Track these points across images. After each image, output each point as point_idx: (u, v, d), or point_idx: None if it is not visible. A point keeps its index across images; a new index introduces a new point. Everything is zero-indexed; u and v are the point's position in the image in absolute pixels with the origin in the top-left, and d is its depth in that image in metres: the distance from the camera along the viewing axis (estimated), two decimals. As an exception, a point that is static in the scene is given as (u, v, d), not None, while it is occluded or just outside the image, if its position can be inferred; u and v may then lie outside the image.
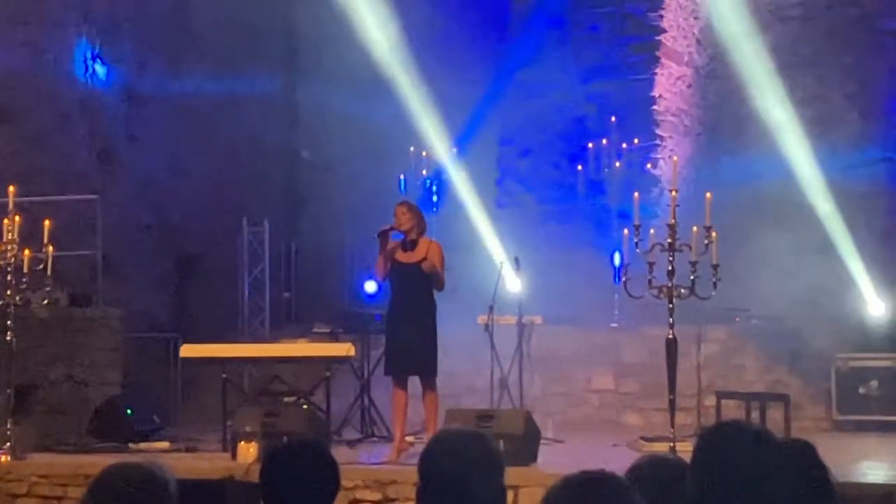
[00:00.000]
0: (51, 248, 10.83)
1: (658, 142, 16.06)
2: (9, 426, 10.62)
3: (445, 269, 10.50)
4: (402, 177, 14.51)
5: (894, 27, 15.62)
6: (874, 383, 13.15)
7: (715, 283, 9.58)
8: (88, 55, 15.74)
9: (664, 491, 3.32)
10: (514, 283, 12.79)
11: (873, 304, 14.06)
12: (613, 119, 15.63)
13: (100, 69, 15.83)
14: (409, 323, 10.36)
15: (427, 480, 3.37)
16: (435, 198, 14.81)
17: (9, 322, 10.67)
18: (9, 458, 10.41)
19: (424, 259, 10.32)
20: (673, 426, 9.77)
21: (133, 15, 16.25)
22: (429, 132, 15.03)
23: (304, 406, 11.47)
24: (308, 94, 18.51)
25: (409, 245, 10.46)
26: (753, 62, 15.14)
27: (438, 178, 15.29)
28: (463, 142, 15.77)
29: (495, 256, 13.91)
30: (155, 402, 13.56)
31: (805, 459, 3.66)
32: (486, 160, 16.56)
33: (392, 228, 10.49)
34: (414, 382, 10.52)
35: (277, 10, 18.54)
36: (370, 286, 12.87)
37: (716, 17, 15.55)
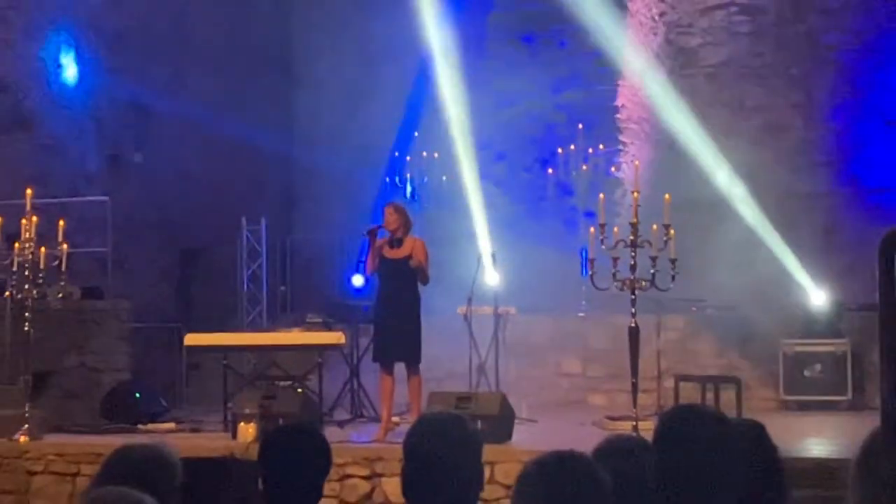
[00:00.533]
0: (65, 246, 10.81)
1: (621, 147, 16.07)
2: (27, 409, 10.59)
3: (430, 264, 10.49)
4: (387, 179, 14.49)
5: (835, 42, 15.66)
6: (817, 367, 13.20)
7: (673, 277, 9.60)
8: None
9: (628, 468, 3.33)
10: (490, 277, 12.79)
11: (816, 295, 14.10)
12: (581, 126, 15.63)
13: (105, 79, 15.77)
14: (395, 314, 10.35)
15: (411, 461, 3.38)
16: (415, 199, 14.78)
17: (27, 314, 10.65)
18: (27, 439, 10.39)
19: (410, 256, 10.31)
20: (635, 406, 9.79)
21: (138, 27, 16.18)
22: (412, 138, 14.99)
23: (299, 389, 11.46)
24: (301, 103, 18.48)
25: (395, 242, 10.45)
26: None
27: (420, 180, 15.28)
28: (444, 146, 15.72)
29: (474, 252, 13.90)
30: (161, 386, 13.53)
31: (756, 439, 3.67)
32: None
33: (379, 227, 10.48)
34: (399, 367, 10.51)
35: (272, 23, 18.52)
36: (357, 280, 12.84)
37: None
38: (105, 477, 3.48)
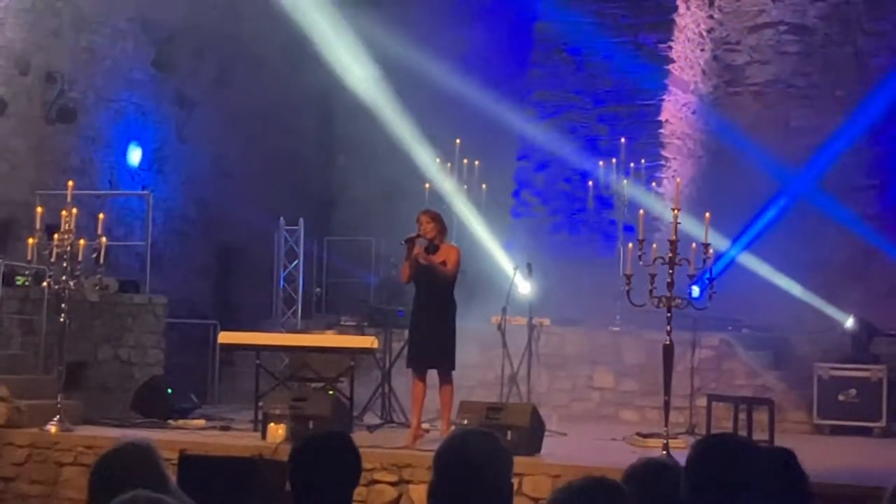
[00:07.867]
0: (103, 239, 10.89)
1: (663, 162, 15.99)
2: (59, 400, 10.66)
3: (461, 269, 10.48)
4: (426, 185, 14.48)
5: (882, 64, 15.55)
6: (853, 391, 13.09)
7: (710, 296, 9.54)
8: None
9: (659, 494, 3.30)
10: (525, 287, 12.75)
11: (854, 319, 13.95)
12: (623, 140, 15.57)
13: (152, 74, 15.89)
14: (430, 320, 10.34)
15: (440, 476, 3.35)
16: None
17: (63, 305, 10.73)
18: (57, 429, 10.45)
19: (445, 262, 10.30)
20: (667, 425, 9.70)
21: (186, 25, 16.28)
22: (453, 147, 14.97)
23: (330, 392, 11.47)
24: (342, 104, 18.54)
25: (431, 249, 10.44)
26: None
27: (461, 187, 15.24)
28: (487, 156, 15.68)
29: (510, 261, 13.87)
30: (193, 382, 13.58)
31: (787, 467, 3.64)
32: (505, 173, 16.52)
33: (418, 236, 10.45)
34: (432, 374, 10.51)
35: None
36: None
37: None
38: (98, 483, 3.47)
